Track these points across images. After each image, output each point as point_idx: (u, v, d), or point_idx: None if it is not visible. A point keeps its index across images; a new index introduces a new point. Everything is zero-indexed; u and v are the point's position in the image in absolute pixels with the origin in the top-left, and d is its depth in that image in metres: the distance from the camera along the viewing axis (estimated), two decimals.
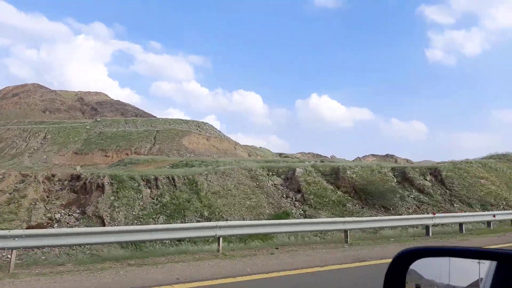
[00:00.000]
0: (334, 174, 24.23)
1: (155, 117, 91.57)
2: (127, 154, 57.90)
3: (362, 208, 21.27)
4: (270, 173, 23.91)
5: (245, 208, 18.41)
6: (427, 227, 14.34)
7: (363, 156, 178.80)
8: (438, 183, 25.20)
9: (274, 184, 22.82)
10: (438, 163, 30.61)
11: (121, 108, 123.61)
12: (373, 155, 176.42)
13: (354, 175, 23.67)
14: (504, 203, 23.69)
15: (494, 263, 1.31)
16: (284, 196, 21.38)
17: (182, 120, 75.17)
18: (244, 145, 76.15)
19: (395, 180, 24.88)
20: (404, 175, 25.34)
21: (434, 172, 26.31)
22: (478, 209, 22.48)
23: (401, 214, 20.70)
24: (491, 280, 1.29)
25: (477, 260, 1.33)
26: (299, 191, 21.67)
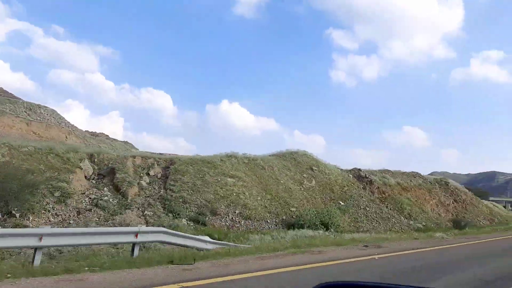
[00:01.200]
0: None
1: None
2: None
3: None
4: None
5: None
6: None
7: None
8: (162, 179, 17.44)
9: None
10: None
11: None
12: None
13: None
14: (237, 212, 16.62)
15: None
16: None
17: (8, 99, 60.64)
18: (89, 136, 64.50)
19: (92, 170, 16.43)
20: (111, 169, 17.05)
21: (170, 163, 18.60)
22: (184, 219, 14.98)
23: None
24: None
25: None
26: None
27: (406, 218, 22.67)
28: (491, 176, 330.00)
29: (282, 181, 20.14)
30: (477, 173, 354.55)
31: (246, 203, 17.09)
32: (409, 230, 20.05)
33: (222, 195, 17.11)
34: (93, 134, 70.39)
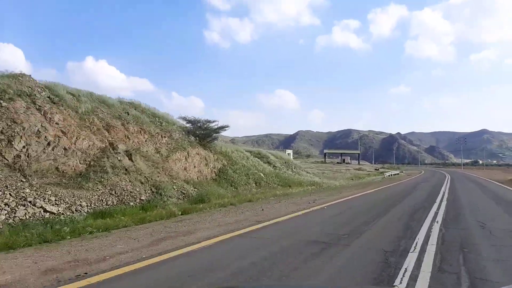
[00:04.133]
0: None
1: None
2: None
3: None
4: None
5: None
6: None
7: None
8: None
9: None
10: None
11: None
12: None
13: None
14: None
15: None
16: None
17: None
18: None
19: None
20: None
21: None
22: None
23: None
24: None
25: None
26: None
27: None
28: (347, 133, 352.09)
29: None
30: (336, 131, 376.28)
31: None
32: None
33: None
34: None
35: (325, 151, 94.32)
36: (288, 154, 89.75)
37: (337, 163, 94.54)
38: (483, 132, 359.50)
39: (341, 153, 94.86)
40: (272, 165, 25.31)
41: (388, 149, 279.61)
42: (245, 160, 22.43)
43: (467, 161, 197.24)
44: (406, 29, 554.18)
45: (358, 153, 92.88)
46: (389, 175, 46.98)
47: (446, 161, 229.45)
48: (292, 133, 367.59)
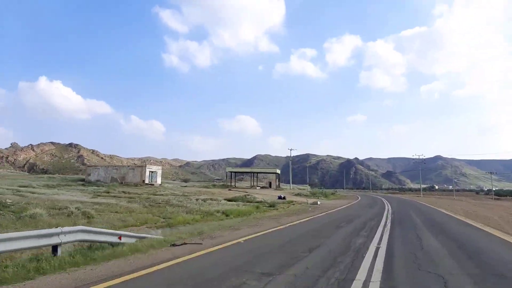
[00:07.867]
0: None
1: None
2: None
3: None
4: None
5: None
6: None
7: (38, 144, 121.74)
8: None
9: None
10: None
11: None
12: (53, 143, 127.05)
13: None
14: None
15: None
16: None
17: None
18: None
19: None
20: None
21: None
22: None
23: None
24: None
25: None
26: None
27: None
28: (305, 158, 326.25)
29: None
30: (295, 156, 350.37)
31: None
32: None
33: None
34: None
35: (228, 169, 64.62)
36: (151, 172, 57.70)
37: (260, 187, 64.97)
38: (438, 158, 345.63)
39: (251, 173, 65.70)
40: None
41: (346, 174, 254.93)
42: None
43: (424, 186, 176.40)
44: (361, 59, 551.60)
45: (277, 173, 63.24)
46: None
47: (403, 186, 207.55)
48: (249, 157, 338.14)
